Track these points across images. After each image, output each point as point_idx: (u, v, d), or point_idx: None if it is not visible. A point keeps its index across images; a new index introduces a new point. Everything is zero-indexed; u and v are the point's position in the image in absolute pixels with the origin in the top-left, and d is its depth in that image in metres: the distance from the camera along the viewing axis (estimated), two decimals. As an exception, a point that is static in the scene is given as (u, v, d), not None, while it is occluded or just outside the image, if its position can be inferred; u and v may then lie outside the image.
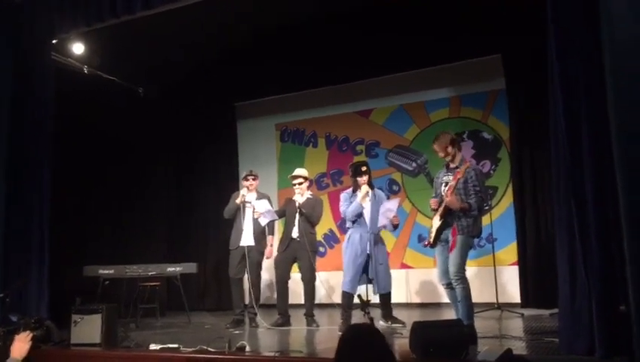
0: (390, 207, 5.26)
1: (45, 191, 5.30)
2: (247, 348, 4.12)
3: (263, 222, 5.86)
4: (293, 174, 5.92)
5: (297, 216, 5.74)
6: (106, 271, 6.38)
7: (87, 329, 4.52)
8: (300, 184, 5.83)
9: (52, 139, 5.46)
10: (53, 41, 5.77)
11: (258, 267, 5.97)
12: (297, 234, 5.71)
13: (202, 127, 8.33)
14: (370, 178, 5.41)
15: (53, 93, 5.50)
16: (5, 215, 4.93)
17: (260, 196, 6.00)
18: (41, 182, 5.30)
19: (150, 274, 6.51)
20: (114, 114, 7.18)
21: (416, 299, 7.15)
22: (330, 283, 6.92)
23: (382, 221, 5.24)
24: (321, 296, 6.63)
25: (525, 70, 6.40)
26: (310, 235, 5.76)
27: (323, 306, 6.59)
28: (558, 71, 3.71)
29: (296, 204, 5.77)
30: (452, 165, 4.57)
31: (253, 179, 6.03)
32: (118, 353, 4.33)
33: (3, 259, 4.87)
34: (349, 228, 5.41)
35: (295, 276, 5.95)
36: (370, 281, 5.30)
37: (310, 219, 5.76)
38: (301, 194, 5.82)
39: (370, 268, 5.22)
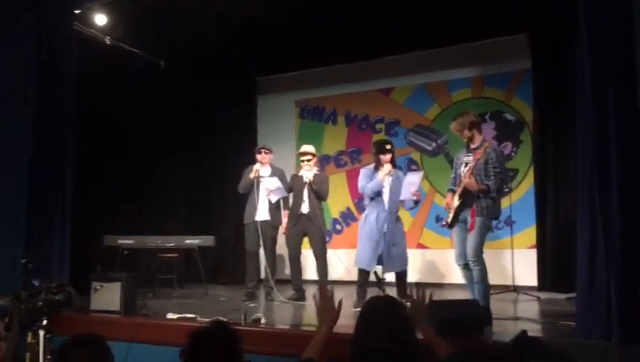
0: (413, 179, 5.23)
1: (67, 159, 5.37)
2: (263, 321, 4.17)
3: (274, 199, 5.89)
4: (302, 151, 5.96)
5: (306, 191, 5.76)
6: (126, 241, 6.48)
7: (107, 296, 4.63)
8: (309, 160, 5.85)
9: (74, 110, 5.51)
10: (76, 12, 5.78)
11: (273, 241, 6.01)
12: (308, 210, 5.74)
13: (223, 101, 8.32)
14: (393, 157, 5.39)
15: (74, 62, 5.52)
16: (28, 182, 5.01)
17: (274, 170, 6.02)
18: (64, 151, 5.36)
19: (169, 245, 6.61)
20: (135, 86, 7.20)
21: (432, 279, 7.15)
22: (347, 260, 6.94)
23: (404, 195, 5.21)
24: (337, 273, 6.66)
25: (552, 50, 6.27)
26: (320, 211, 5.79)
27: (339, 283, 6.62)
28: (587, 51, 3.62)
29: (304, 180, 5.77)
30: (472, 146, 4.52)
31: (266, 153, 6.03)
32: (136, 320, 4.42)
33: (25, 225, 4.95)
34: (366, 206, 5.41)
35: (306, 251, 5.98)
36: (381, 261, 5.29)
37: (319, 194, 5.78)
38: (309, 170, 5.83)
39: (382, 247, 5.22)
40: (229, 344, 2.00)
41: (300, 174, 5.90)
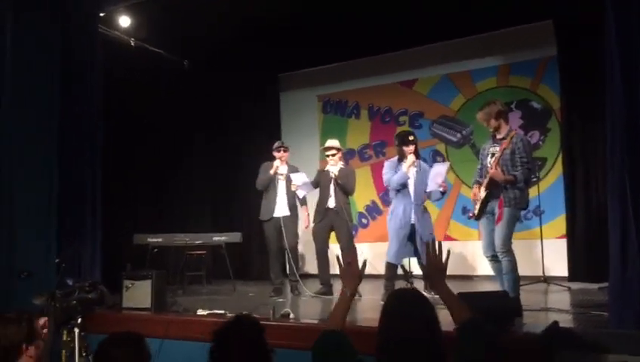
0: (440, 170, 5.20)
1: (97, 160, 5.48)
2: (292, 316, 4.19)
3: (301, 194, 5.91)
4: (326, 145, 5.95)
5: (332, 186, 5.76)
6: (155, 240, 6.58)
7: (138, 293, 4.71)
8: (334, 155, 5.84)
9: (102, 112, 5.61)
10: (101, 14, 5.88)
11: (295, 236, 6.05)
12: (334, 205, 5.74)
13: (246, 98, 8.36)
14: (417, 148, 5.36)
15: (101, 64, 5.62)
16: (59, 182, 5.11)
17: (291, 168, 6.05)
18: (93, 154, 5.46)
19: (197, 243, 6.69)
20: (159, 86, 7.30)
21: (460, 272, 7.08)
22: (373, 254, 6.92)
23: (431, 186, 5.18)
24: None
25: (578, 36, 6.14)
26: (346, 205, 5.79)
27: (366, 277, 6.53)
28: (615, 36, 3.54)
29: (330, 175, 5.78)
30: (498, 136, 4.46)
31: (284, 151, 6.05)
32: (168, 317, 4.49)
33: (57, 225, 5.07)
34: (392, 199, 5.39)
35: (334, 246, 5.99)
36: (416, 253, 5.27)
37: (346, 189, 5.78)
38: (334, 165, 5.82)
39: (416, 239, 5.20)
40: (252, 335, 2.02)
41: (326, 169, 5.90)
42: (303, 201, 6.15)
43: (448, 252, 2.39)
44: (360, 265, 2.41)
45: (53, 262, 4.80)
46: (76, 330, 3.46)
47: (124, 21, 6.49)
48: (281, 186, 6.00)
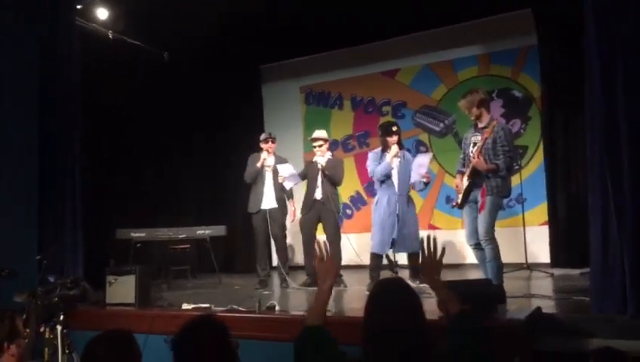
0: (422, 161, 5.22)
1: (76, 155, 5.40)
2: (277, 308, 4.19)
3: (288, 185, 5.89)
4: (313, 136, 5.92)
5: (320, 177, 5.75)
6: (138, 234, 6.53)
7: (122, 289, 4.67)
8: (321, 146, 5.82)
9: (81, 106, 5.53)
10: (78, 7, 5.78)
11: (283, 228, 6.04)
12: (321, 196, 5.73)
13: (227, 90, 8.30)
14: (400, 138, 5.37)
15: (79, 57, 5.54)
16: (39, 180, 5.04)
17: (279, 159, 6.01)
18: (72, 148, 5.39)
19: (180, 236, 6.65)
20: (139, 79, 7.21)
21: (444, 260, 7.11)
22: (358, 244, 6.95)
23: (414, 177, 5.21)
24: (349, 257, 6.67)
25: (558, 24, 6.18)
26: (334, 196, 5.78)
27: (351, 267, 6.64)
28: (593, 25, 3.57)
29: (318, 166, 5.76)
30: (480, 125, 4.48)
31: (272, 142, 6.02)
32: (152, 312, 4.45)
33: (39, 223, 5.00)
34: (377, 189, 5.40)
35: (321, 237, 5.99)
36: (393, 243, 5.29)
37: (333, 180, 5.77)
38: (322, 156, 5.81)
39: (396, 230, 5.22)
40: (215, 334, 2.00)
41: (313, 160, 5.88)
42: (290, 194, 6.13)
43: (443, 249, 2.42)
44: (331, 258, 2.38)
45: (34, 259, 4.73)
46: (59, 327, 3.43)
47: (102, 13, 6.38)
48: (269, 178, 5.97)
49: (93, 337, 1.99)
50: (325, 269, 2.34)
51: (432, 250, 2.43)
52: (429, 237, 2.44)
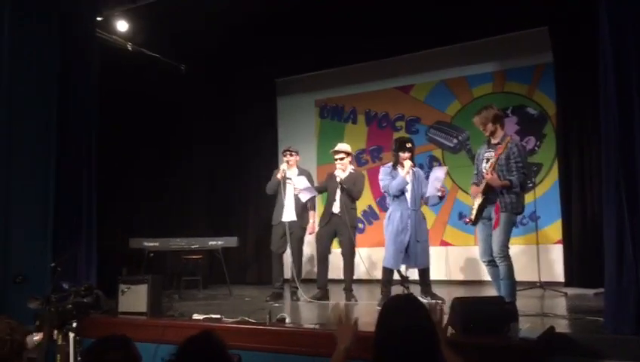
0: (439, 175, 5.20)
1: (93, 165, 5.48)
2: (287, 320, 4.18)
3: (303, 198, 5.89)
4: (335, 149, 5.88)
5: (338, 191, 5.75)
6: (151, 244, 6.56)
7: (134, 298, 4.69)
8: (342, 159, 5.80)
9: (98, 115, 5.61)
10: (98, 19, 5.89)
11: (300, 242, 6.02)
12: (339, 210, 5.72)
13: (243, 103, 8.38)
14: (413, 155, 5.36)
15: (98, 68, 5.64)
16: (54, 186, 5.11)
17: (301, 171, 6.02)
18: (89, 157, 5.48)
19: (193, 247, 6.67)
20: (156, 90, 7.30)
21: (456, 277, 7.10)
22: (370, 259, 6.93)
23: (430, 191, 5.18)
24: (360, 271, 6.65)
25: (574, 42, 6.18)
26: (351, 211, 5.76)
27: (362, 282, 6.62)
28: (609, 43, 3.57)
29: (338, 179, 5.76)
30: (494, 141, 4.46)
31: (290, 155, 6.05)
32: (163, 321, 4.47)
33: (53, 231, 5.06)
34: (389, 204, 5.39)
35: (335, 251, 5.99)
36: (407, 259, 5.26)
37: (351, 194, 5.75)
38: (343, 170, 5.80)
39: (410, 245, 5.19)
40: (214, 351, 2.01)
41: (334, 173, 5.88)
42: (312, 206, 6.13)
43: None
44: (352, 322, 2.41)
45: (48, 266, 4.79)
46: (71, 334, 3.45)
47: (122, 25, 6.49)
48: (289, 191, 5.98)
49: (93, 342, 2.02)
50: (344, 331, 2.36)
51: (437, 316, 2.45)
52: (434, 304, 2.46)
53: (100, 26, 6.03)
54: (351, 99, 8.20)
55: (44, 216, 5.06)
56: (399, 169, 5.29)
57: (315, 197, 6.03)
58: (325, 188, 5.95)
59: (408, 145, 5.34)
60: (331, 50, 7.38)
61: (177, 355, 1.94)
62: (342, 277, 5.78)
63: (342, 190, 5.72)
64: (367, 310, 5.02)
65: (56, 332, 3.38)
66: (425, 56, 7.49)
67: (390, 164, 5.41)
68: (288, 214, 5.96)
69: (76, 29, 5.53)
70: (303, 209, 5.99)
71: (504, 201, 4.30)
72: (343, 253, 5.76)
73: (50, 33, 5.25)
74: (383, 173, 5.37)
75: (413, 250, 5.18)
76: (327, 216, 5.79)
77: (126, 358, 1.99)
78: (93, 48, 5.66)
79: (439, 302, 5.17)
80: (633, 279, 3.39)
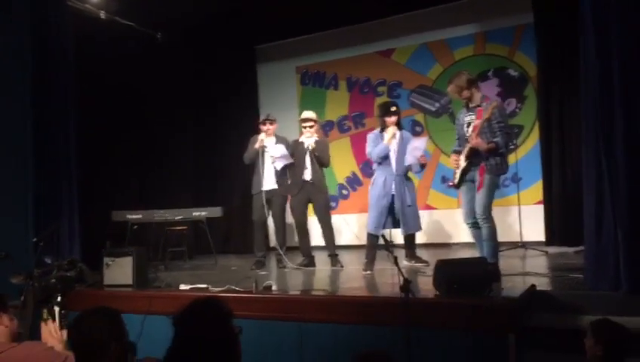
0: (418, 145, 5.19)
1: (71, 137, 5.39)
2: (274, 287, 4.21)
3: (278, 166, 5.85)
4: (304, 117, 5.87)
5: (308, 158, 5.73)
6: (134, 216, 6.52)
7: (119, 271, 4.68)
8: (311, 127, 5.79)
9: (75, 86, 5.49)
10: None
11: (281, 210, 6.02)
12: (310, 176, 5.72)
13: (223, 71, 8.25)
14: (399, 119, 5.34)
15: (72, 38, 5.49)
16: (35, 164, 5.03)
17: (279, 140, 5.98)
18: (67, 130, 5.38)
19: (177, 218, 6.64)
20: (133, 60, 7.14)
21: (440, 240, 7.18)
22: (355, 225, 6.98)
23: (409, 160, 5.18)
24: (346, 237, 6.71)
25: (554, 2, 6.13)
26: (322, 177, 5.77)
27: (348, 248, 6.67)
28: (589, 2, 3.55)
29: (306, 146, 5.74)
30: (471, 104, 4.46)
31: (270, 124, 5.99)
32: (149, 293, 4.47)
33: (35, 205, 4.99)
34: (374, 170, 5.39)
35: (312, 218, 6.00)
36: (396, 223, 5.30)
37: (322, 161, 5.76)
38: (310, 137, 5.79)
39: (396, 210, 5.22)
40: (219, 317, 1.98)
41: (300, 140, 5.85)
42: (291, 174, 6.08)
43: None
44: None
45: (30, 241, 4.74)
46: (56, 308, 3.43)
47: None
48: (268, 160, 5.95)
49: (79, 313, 2.01)
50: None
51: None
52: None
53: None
54: (332, 65, 8.11)
55: (24, 191, 4.98)
56: (385, 134, 5.27)
57: (292, 164, 5.96)
58: (292, 155, 5.90)
59: (393, 108, 5.31)
60: (311, 15, 7.25)
61: (181, 317, 1.90)
62: (324, 243, 5.80)
63: (314, 157, 5.70)
64: (352, 275, 5.08)
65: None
66: (405, 19, 7.40)
67: (377, 130, 5.38)
68: (268, 183, 5.94)
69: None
70: (282, 177, 5.95)
71: (489, 164, 4.31)
72: (319, 219, 5.76)
73: (19, 3, 5.08)
74: (371, 139, 5.33)
75: (404, 215, 5.21)
76: (299, 183, 5.77)
77: (111, 324, 1.99)
78: (65, 18, 5.49)
79: (423, 264, 5.25)
80: (612, 236, 3.45)
